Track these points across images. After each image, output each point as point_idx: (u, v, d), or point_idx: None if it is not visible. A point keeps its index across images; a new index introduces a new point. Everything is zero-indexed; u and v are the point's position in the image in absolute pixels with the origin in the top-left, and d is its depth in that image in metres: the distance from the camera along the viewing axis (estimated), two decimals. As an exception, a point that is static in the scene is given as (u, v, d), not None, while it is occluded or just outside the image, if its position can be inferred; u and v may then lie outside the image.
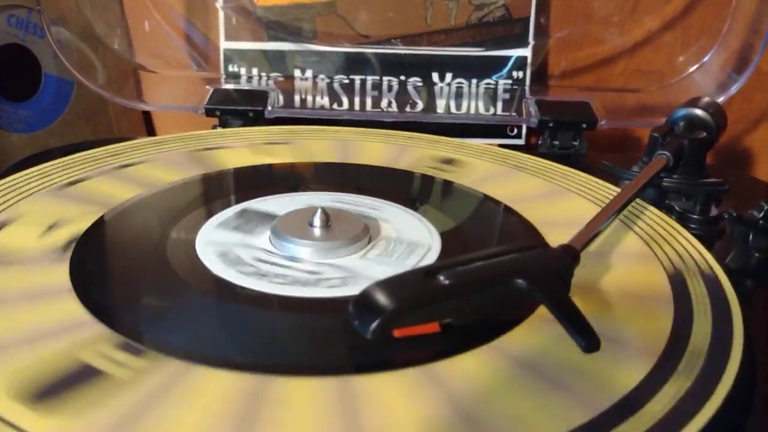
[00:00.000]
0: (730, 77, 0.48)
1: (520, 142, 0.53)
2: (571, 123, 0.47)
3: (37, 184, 0.34)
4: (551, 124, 0.47)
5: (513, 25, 0.52)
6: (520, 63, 0.52)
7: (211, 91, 0.49)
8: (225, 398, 0.20)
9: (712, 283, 0.27)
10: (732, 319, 0.24)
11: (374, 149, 0.41)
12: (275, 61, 0.52)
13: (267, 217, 0.31)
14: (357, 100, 0.52)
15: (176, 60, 0.54)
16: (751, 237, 0.31)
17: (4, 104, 0.49)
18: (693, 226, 0.34)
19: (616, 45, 0.54)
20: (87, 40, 0.49)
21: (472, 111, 0.51)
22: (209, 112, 0.47)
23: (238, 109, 0.47)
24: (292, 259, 0.28)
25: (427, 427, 0.19)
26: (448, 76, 0.52)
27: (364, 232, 0.29)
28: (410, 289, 0.21)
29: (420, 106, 0.51)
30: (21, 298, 0.25)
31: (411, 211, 0.33)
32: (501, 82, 0.52)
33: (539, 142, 0.48)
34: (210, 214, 0.32)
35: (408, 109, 0.51)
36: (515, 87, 0.52)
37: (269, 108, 0.48)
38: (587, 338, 0.21)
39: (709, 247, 0.30)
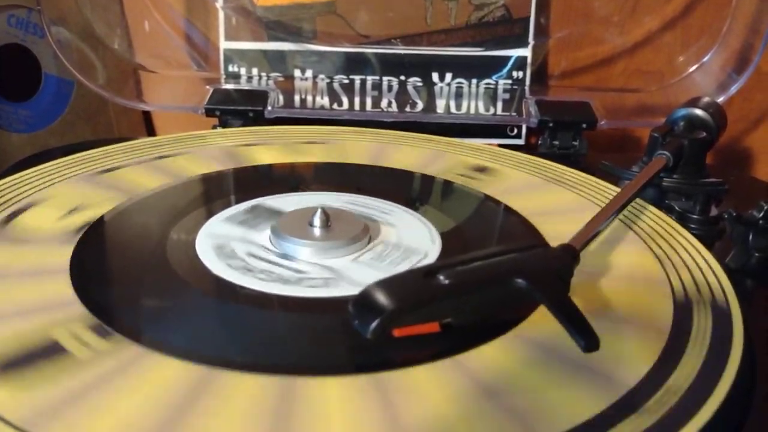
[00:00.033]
0: (730, 77, 0.48)
1: (520, 142, 0.53)
2: (571, 123, 0.47)
3: (75, 169, 0.36)
4: (551, 124, 0.47)
5: (513, 25, 0.52)
6: (520, 63, 0.52)
7: (211, 91, 0.49)
8: (170, 386, 0.20)
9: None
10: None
11: (409, 153, 0.41)
12: (275, 61, 0.52)
13: (275, 215, 0.32)
14: (357, 100, 0.52)
15: (176, 60, 0.54)
16: (750, 237, 0.31)
17: (4, 104, 0.49)
18: (693, 226, 0.34)
19: (616, 45, 0.54)
20: (87, 40, 0.49)
21: (472, 111, 0.51)
22: (209, 112, 0.47)
23: (238, 109, 0.47)
24: (284, 256, 0.28)
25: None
26: (448, 76, 0.52)
27: (361, 235, 0.29)
28: (410, 288, 0.21)
29: (420, 106, 0.51)
30: (19, 275, 0.26)
31: (420, 216, 0.32)
32: (501, 82, 0.52)
33: (539, 142, 0.48)
34: (222, 207, 0.33)
35: (408, 109, 0.51)
36: (515, 87, 0.52)
37: (269, 108, 0.48)
38: (587, 338, 0.21)
39: (709, 246, 0.30)
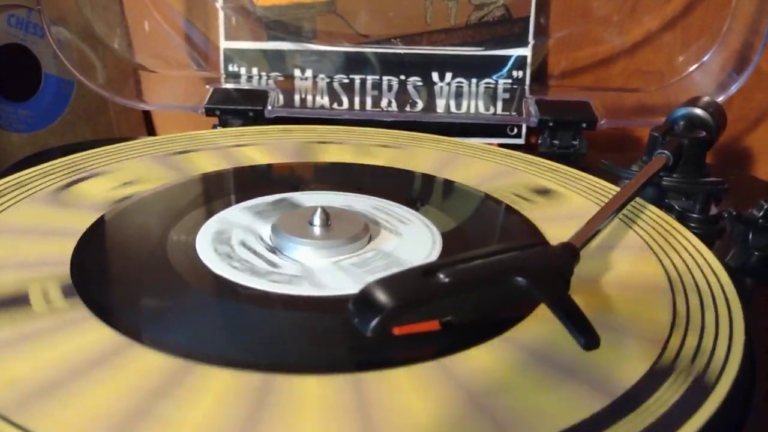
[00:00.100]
0: (730, 77, 0.48)
1: (520, 141, 0.53)
2: (571, 122, 0.47)
3: (152, 150, 0.39)
4: (551, 124, 0.47)
5: (513, 24, 0.52)
6: (520, 62, 0.52)
7: (211, 90, 0.49)
8: (87, 347, 0.22)
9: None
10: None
11: (477, 167, 0.39)
12: (275, 60, 0.52)
13: (295, 209, 0.32)
14: (357, 99, 0.52)
15: (176, 60, 0.54)
16: (750, 236, 0.32)
17: (4, 104, 0.49)
18: (693, 225, 0.34)
19: (615, 45, 0.54)
20: (87, 39, 0.49)
21: (472, 110, 0.51)
22: (209, 112, 0.47)
23: (238, 108, 0.47)
24: (272, 250, 0.29)
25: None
26: (448, 75, 0.52)
27: (353, 240, 0.29)
28: (410, 287, 0.21)
29: (420, 105, 0.51)
30: (35, 233, 0.29)
31: (434, 231, 0.31)
32: (501, 81, 0.52)
33: (539, 141, 0.48)
34: (251, 197, 0.33)
35: (408, 108, 0.51)
36: (515, 86, 0.52)
37: (269, 107, 0.48)
38: (587, 336, 0.21)
39: (709, 245, 0.30)
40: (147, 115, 0.59)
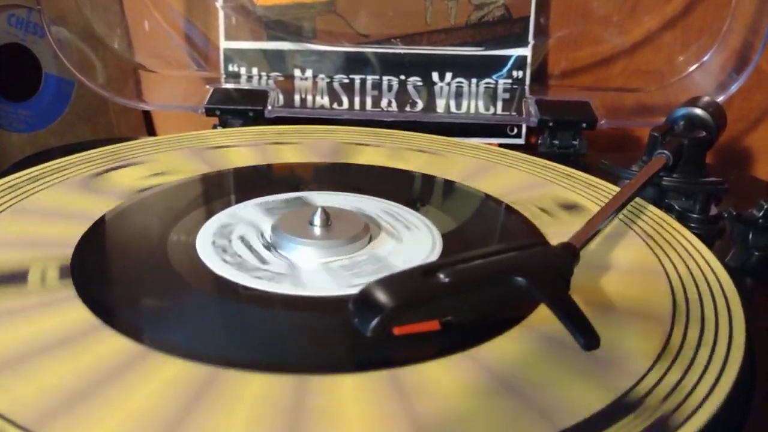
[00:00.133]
0: (730, 77, 0.48)
1: (520, 141, 0.53)
2: (571, 122, 0.47)
3: (194, 143, 0.40)
4: (551, 124, 0.47)
5: (513, 24, 0.52)
6: (520, 62, 0.52)
7: (211, 90, 0.49)
8: (60, 326, 0.23)
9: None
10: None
11: (509, 177, 0.37)
12: (275, 60, 0.52)
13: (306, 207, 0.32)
14: (357, 99, 0.52)
15: (176, 60, 0.54)
16: (750, 236, 0.32)
17: (4, 104, 0.49)
18: (693, 225, 0.34)
19: (615, 45, 0.54)
20: (87, 39, 0.49)
21: (472, 110, 0.51)
22: (209, 112, 0.47)
23: (238, 108, 0.47)
24: (267, 246, 0.29)
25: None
26: (448, 75, 0.52)
27: (349, 241, 0.29)
28: (410, 287, 0.21)
29: (420, 105, 0.51)
30: (57, 215, 0.31)
31: (438, 238, 0.30)
32: (501, 81, 0.52)
33: (539, 141, 0.49)
34: (268, 194, 0.34)
35: (408, 108, 0.51)
36: (515, 86, 0.52)
37: (269, 107, 0.48)
38: (587, 336, 0.21)
39: (709, 245, 0.30)
40: (147, 115, 0.59)
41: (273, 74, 0.52)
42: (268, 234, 0.30)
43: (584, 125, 0.47)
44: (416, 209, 0.33)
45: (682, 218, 0.34)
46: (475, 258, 0.22)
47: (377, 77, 0.52)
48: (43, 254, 0.27)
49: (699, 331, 0.23)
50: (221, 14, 0.52)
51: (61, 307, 0.24)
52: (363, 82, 0.52)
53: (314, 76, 0.52)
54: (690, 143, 0.37)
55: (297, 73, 0.52)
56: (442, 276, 0.21)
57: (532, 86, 0.53)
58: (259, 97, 0.49)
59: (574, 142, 0.47)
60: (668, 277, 0.27)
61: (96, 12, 0.51)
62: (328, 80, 0.52)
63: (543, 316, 0.23)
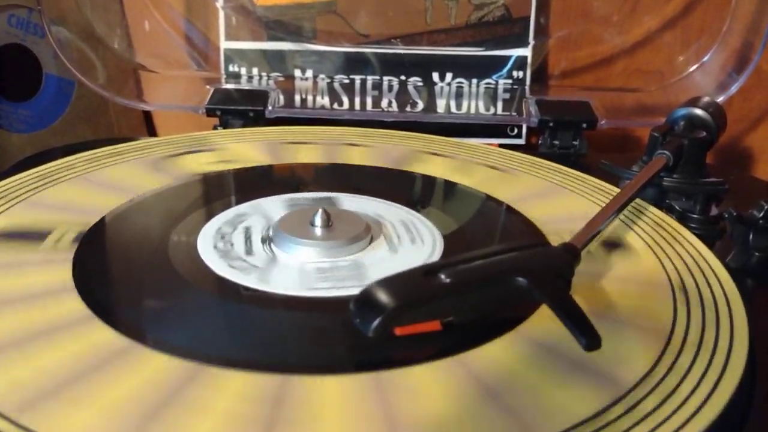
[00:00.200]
0: (730, 77, 0.48)
1: (521, 141, 0.53)
2: (571, 122, 0.47)
3: (274, 137, 0.42)
4: (551, 124, 0.47)
5: (513, 24, 0.52)
6: (520, 63, 0.52)
7: (211, 90, 0.49)
8: (40, 284, 0.25)
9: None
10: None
11: (561, 202, 0.34)
12: (275, 60, 0.52)
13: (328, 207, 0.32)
14: (357, 99, 0.52)
15: (176, 60, 0.54)
16: (751, 236, 0.32)
17: (5, 104, 0.49)
18: (693, 225, 0.34)
19: (615, 44, 0.54)
20: (87, 39, 0.49)
21: (473, 111, 0.51)
22: (210, 112, 0.47)
23: (239, 108, 0.47)
24: (264, 240, 0.29)
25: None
26: (449, 75, 0.52)
27: (338, 246, 0.28)
28: (411, 287, 0.21)
29: (420, 105, 0.51)
30: (111, 187, 0.33)
31: (438, 248, 0.30)
32: (501, 81, 0.52)
33: (539, 141, 0.49)
34: (304, 191, 0.35)
35: (408, 108, 0.51)
36: (515, 87, 0.52)
37: (270, 108, 0.48)
38: (588, 336, 0.21)
39: (709, 246, 0.30)
40: (147, 116, 0.58)
41: (273, 74, 0.52)
42: (268, 230, 0.30)
43: (584, 125, 0.47)
44: (435, 224, 0.32)
45: (683, 219, 0.34)
46: (476, 258, 0.22)
47: (377, 77, 0.52)
48: (74, 219, 0.30)
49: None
50: (221, 14, 0.52)
51: (50, 267, 0.26)
52: (363, 82, 0.52)
53: (314, 77, 0.52)
54: (690, 143, 0.37)
55: (297, 73, 0.52)
56: (443, 276, 0.21)
57: (533, 86, 0.53)
58: (259, 97, 0.49)
59: (575, 143, 0.47)
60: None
61: (96, 12, 0.51)
62: (328, 80, 0.52)
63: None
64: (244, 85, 0.52)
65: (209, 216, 0.31)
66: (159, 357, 0.21)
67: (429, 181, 0.37)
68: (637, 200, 0.33)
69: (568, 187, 0.36)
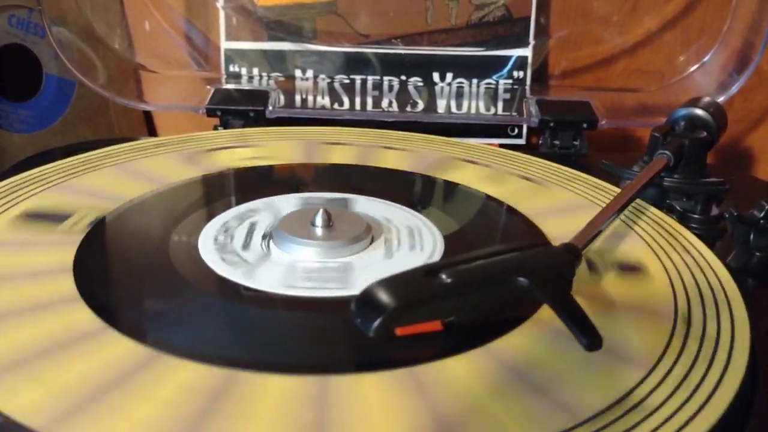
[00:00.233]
0: (731, 77, 0.48)
1: (521, 141, 0.53)
2: (572, 123, 0.47)
3: (312, 136, 0.43)
4: (552, 124, 0.47)
5: (513, 24, 0.52)
6: (521, 63, 0.52)
7: (212, 91, 0.49)
8: (43, 263, 0.26)
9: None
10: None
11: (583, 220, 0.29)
12: (276, 61, 0.52)
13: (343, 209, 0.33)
14: (358, 100, 0.52)
15: (177, 60, 0.54)
16: (752, 236, 0.32)
17: (5, 104, 0.49)
18: (694, 225, 0.34)
19: (616, 45, 0.54)
20: (88, 40, 0.49)
21: (473, 111, 0.51)
22: (210, 112, 0.47)
23: (239, 109, 0.47)
24: (264, 236, 0.30)
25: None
26: (449, 75, 0.52)
27: (331, 247, 0.28)
28: (412, 287, 0.21)
29: (421, 105, 0.51)
30: (142, 176, 0.35)
31: (435, 253, 0.29)
32: (501, 81, 0.52)
33: (540, 141, 0.49)
34: (319, 190, 0.35)
35: (409, 108, 0.51)
36: (516, 87, 0.52)
37: (270, 108, 0.48)
38: (589, 336, 0.21)
39: (710, 246, 0.30)
40: (148, 116, 0.58)
41: (274, 74, 0.52)
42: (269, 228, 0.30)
43: (585, 125, 0.47)
44: (443, 232, 0.31)
45: (683, 219, 0.34)
46: (477, 258, 0.22)
47: (378, 77, 0.52)
48: (97, 205, 0.31)
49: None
50: (222, 14, 0.52)
51: (58, 248, 0.27)
52: (364, 82, 0.52)
53: (315, 77, 0.52)
54: (691, 143, 0.37)
55: (298, 73, 0.52)
56: (444, 276, 0.21)
57: (533, 86, 0.53)
58: (260, 97, 0.49)
59: (575, 143, 0.47)
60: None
61: (96, 12, 0.51)
62: (328, 81, 0.52)
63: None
64: (244, 85, 0.52)
65: (220, 210, 0.32)
66: (123, 341, 0.22)
67: (450, 188, 0.36)
68: (638, 200, 0.33)
69: (598, 203, 0.34)
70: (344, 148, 0.41)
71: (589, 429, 0.19)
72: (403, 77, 0.52)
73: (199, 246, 0.28)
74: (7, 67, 0.49)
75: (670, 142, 0.37)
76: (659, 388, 0.20)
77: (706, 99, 0.41)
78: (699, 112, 0.40)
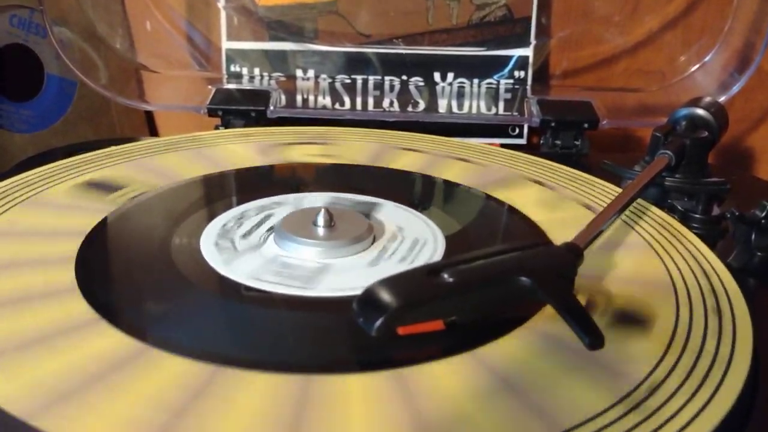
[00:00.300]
0: (732, 77, 0.48)
1: (522, 141, 0.53)
2: (573, 122, 0.47)
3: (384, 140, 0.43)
4: (553, 124, 0.47)
5: (514, 24, 0.52)
6: (522, 62, 0.52)
7: (213, 91, 0.49)
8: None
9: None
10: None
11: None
12: (277, 61, 0.52)
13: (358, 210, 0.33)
14: (359, 99, 0.52)
15: (178, 60, 0.54)
16: (753, 236, 0.32)
17: (7, 104, 0.49)
18: (695, 225, 0.34)
19: (617, 44, 0.54)
20: (89, 40, 0.49)
21: (474, 111, 0.51)
22: (212, 112, 0.47)
23: (241, 109, 0.47)
24: (269, 229, 0.30)
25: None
26: (450, 75, 0.52)
27: (323, 247, 0.28)
28: (414, 286, 0.21)
29: (422, 105, 0.51)
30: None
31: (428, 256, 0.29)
32: (503, 81, 0.52)
33: (541, 141, 0.49)
34: (355, 192, 0.35)
35: (410, 108, 0.51)
36: (517, 87, 0.52)
37: (271, 108, 0.48)
38: (591, 336, 0.21)
39: (711, 246, 0.30)
40: (149, 116, 0.59)
41: (275, 74, 0.52)
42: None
43: (586, 125, 0.47)
44: (447, 238, 0.30)
45: (685, 219, 0.34)
46: (478, 258, 0.22)
47: (379, 77, 0.52)
48: (150, 182, 0.33)
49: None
50: (223, 14, 0.52)
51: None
52: (365, 82, 0.52)
53: (316, 77, 0.52)
54: (692, 143, 0.37)
55: (299, 73, 0.52)
56: (446, 276, 0.21)
57: (534, 86, 0.53)
58: (261, 97, 0.49)
59: (576, 143, 0.47)
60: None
61: (98, 12, 0.51)
62: (330, 80, 0.52)
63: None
64: (245, 85, 0.52)
65: (247, 200, 0.33)
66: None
67: (490, 207, 0.34)
68: (639, 200, 0.33)
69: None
70: (415, 155, 0.40)
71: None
72: (404, 77, 0.52)
73: (206, 230, 0.29)
74: (9, 67, 0.49)
75: (672, 142, 0.37)
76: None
77: (708, 99, 0.41)
78: (700, 112, 0.40)
